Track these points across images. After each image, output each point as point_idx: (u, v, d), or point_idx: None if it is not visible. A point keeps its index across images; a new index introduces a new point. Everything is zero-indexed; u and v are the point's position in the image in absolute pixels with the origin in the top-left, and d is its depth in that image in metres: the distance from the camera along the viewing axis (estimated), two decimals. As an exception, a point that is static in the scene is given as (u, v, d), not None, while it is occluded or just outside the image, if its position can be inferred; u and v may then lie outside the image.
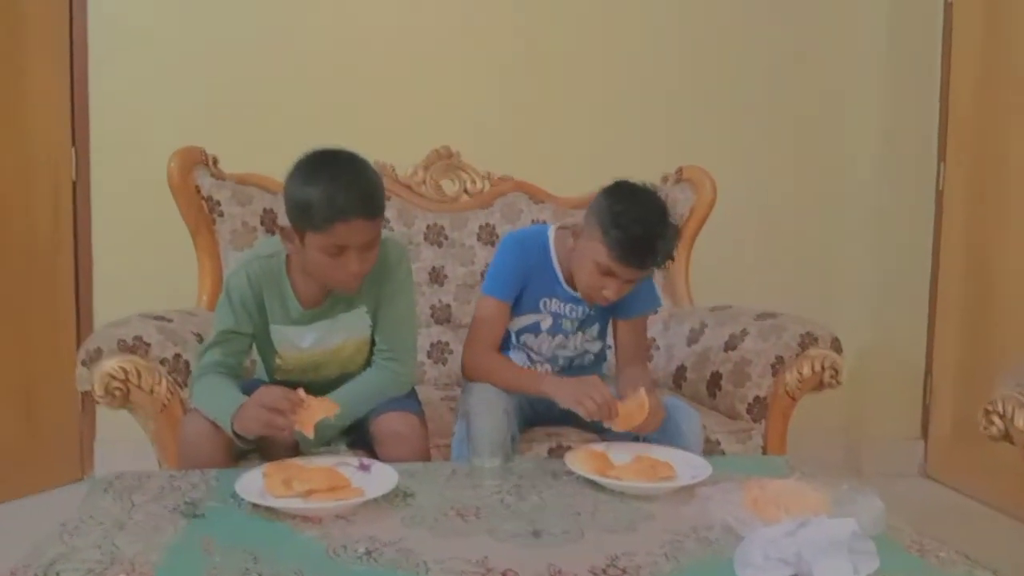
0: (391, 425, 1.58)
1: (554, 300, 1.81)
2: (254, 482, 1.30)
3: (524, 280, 1.78)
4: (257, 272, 1.60)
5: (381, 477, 1.34)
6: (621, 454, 1.48)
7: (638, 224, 1.58)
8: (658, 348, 2.32)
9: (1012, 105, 2.68)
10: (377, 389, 1.63)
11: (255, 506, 1.24)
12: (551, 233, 1.82)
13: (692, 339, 2.20)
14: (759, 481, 1.27)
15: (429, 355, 2.31)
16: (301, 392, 1.44)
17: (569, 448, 1.76)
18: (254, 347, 1.70)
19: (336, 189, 1.43)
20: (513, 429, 1.66)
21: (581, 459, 1.44)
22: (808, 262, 3.02)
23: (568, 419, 1.74)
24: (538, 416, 1.83)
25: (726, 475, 1.37)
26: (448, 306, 2.34)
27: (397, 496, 1.31)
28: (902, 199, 3.02)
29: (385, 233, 1.66)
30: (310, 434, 1.41)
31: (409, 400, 1.69)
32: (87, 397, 1.66)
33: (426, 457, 1.61)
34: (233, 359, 1.60)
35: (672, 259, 1.66)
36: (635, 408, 1.54)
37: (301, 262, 1.57)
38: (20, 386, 2.65)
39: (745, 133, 2.94)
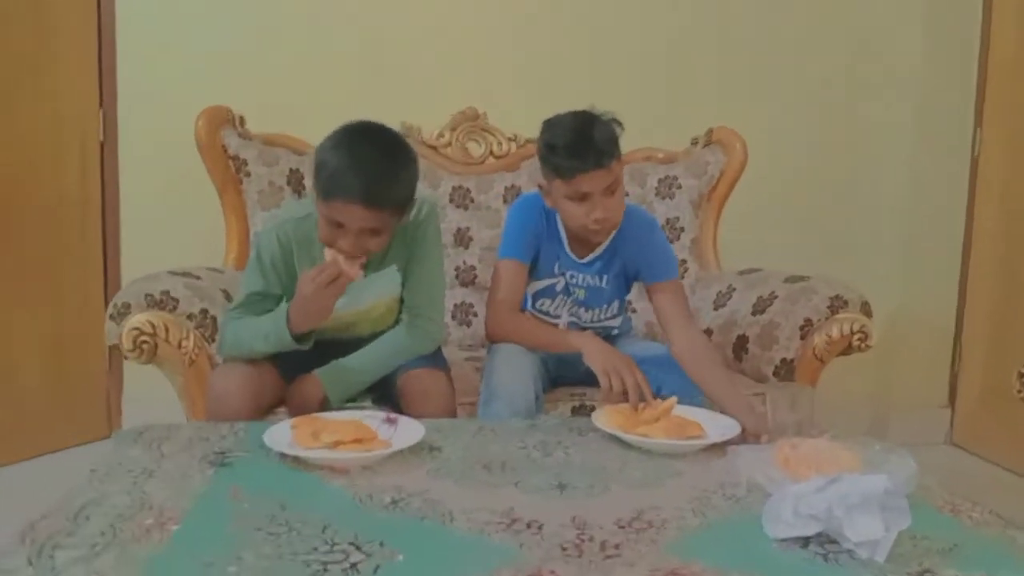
0: (419, 382, 1.58)
1: (562, 264, 1.80)
2: (282, 434, 1.31)
3: (537, 242, 1.77)
4: (289, 234, 1.60)
5: (407, 430, 1.34)
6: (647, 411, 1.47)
7: (564, 134, 1.61)
8: (684, 312, 2.29)
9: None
10: (405, 346, 1.63)
11: (283, 456, 1.25)
12: None
13: (719, 303, 2.18)
14: (790, 440, 1.25)
15: (453, 316, 2.31)
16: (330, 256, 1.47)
17: (593, 408, 1.77)
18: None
19: (348, 166, 1.42)
20: (537, 388, 1.65)
21: (608, 416, 1.43)
22: (839, 226, 2.97)
23: (591, 379, 1.73)
24: (562, 376, 1.82)
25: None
26: (473, 268, 2.34)
27: (423, 449, 1.31)
28: (936, 163, 2.96)
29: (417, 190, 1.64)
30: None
31: (436, 358, 1.69)
32: (115, 353, 1.68)
33: (453, 414, 1.61)
34: None
35: (617, 146, 1.63)
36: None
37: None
38: (49, 344, 2.69)
39: (777, 95, 2.89)
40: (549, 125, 1.66)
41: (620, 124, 1.65)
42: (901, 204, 2.99)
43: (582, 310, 1.83)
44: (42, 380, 2.67)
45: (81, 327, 2.75)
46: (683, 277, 2.33)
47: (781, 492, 1.04)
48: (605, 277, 1.80)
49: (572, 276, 1.79)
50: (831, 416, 2.03)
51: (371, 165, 1.43)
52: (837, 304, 1.90)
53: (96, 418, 2.83)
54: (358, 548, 0.96)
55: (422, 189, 2.30)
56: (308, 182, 2.20)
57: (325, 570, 0.90)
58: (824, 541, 0.99)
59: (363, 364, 1.58)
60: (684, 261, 2.35)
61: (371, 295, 1.67)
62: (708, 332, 2.18)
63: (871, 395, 3.01)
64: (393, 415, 1.41)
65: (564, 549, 0.97)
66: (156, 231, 2.75)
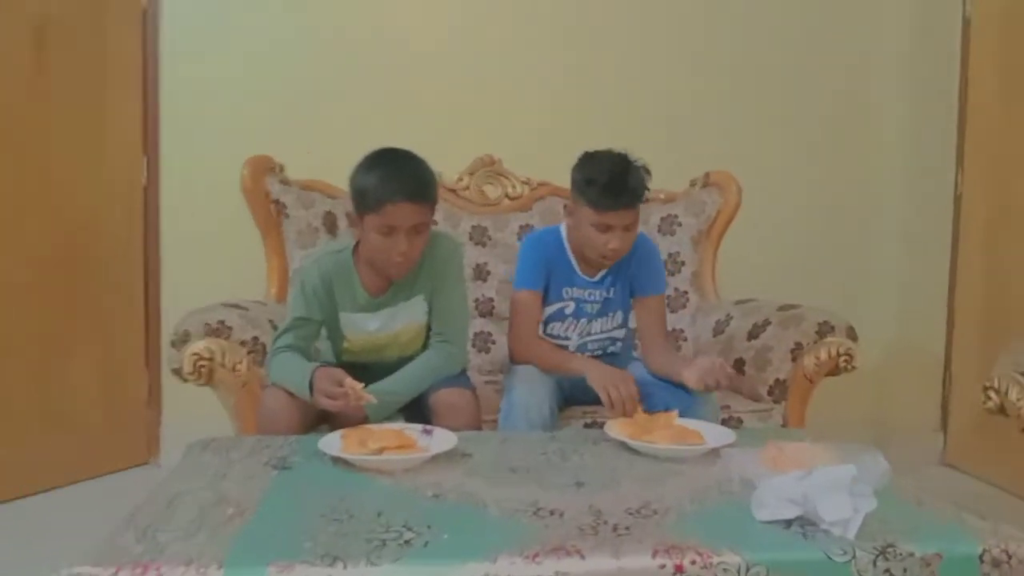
0: (448, 398, 1.78)
1: (574, 288, 2.02)
2: (334, 442, 1.50)
3: (547, 272, 2.00)
4: (329, 266, 1.81)
5: (442, 439, 1.52)
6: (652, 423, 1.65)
7: (604, 172, 1.84)
8: (686, 339, 2.49)
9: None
10: (433, 368, 1.83)
11: (336, 460, 1.43)
12: (563, 230, 2.03)
13: (718, 330, 2.37)
14: (777, 443, 1.43)
15: (473, 344, 2.49)
16: (348, 383, 1.64)
17: (601, 423, 1.94)
18: (323, 334, 1.91)
19: (388, 176, 1.69)
20: (552, 405, 1.84)
21: (619, 426, 1.61)
22: (831, 260, 3.17)
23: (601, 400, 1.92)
24: (575, 397, 2.00)
25: (748, 442, 1.54)
26: (491, 300, 2.53)
27: (456, 455, 1.49)
28: (922, 199, 3.16)
29: (440, 230, 1.86)
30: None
31: (462, 378, 1.89)
32: (153, 384, 1.85)
33: (479, 427, 1.79)
34: (304, 342, 1.81)
35: (647, 190, 1.88)
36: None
37: (364, 248, 1.77)
38: (98, 379, 2.88)
39: (771, 138, 3.11)
40: (589, 160, 1.90)
41: (648, 172, 1.89)
42: (891, 238, 3.18)
43: (593, 323, 2.03)
44: (90, 412, 2.86)
45: (124, 362, 2.95)
46: (684, 307, 2.53)
47: (766, 482, 1.22)
48: (613, 289, 2.03)
49: (589, 294, 2.01)
50: (827, 439, 2.18)
51: (406, 169, 1.73)
52: (824, 329, 2.09)
53: (136, 446, 3.01)
54: (409, 529, 1.14)
55: (444, 229, 2.53)
56: (342, 223, 2.41)
57: (384, 545, 1.09)
58: (804, 523, 1.17)
59: (398, 386, 1.77)
60: (685, 292, 2.54)
61: (401, 321, 1.87)
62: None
63: (866, 420, 3.17)
64: (429, 427, 1.59)
65: (582, 530, 1.15)
66: (194, 270, 2.95)
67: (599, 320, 2.05)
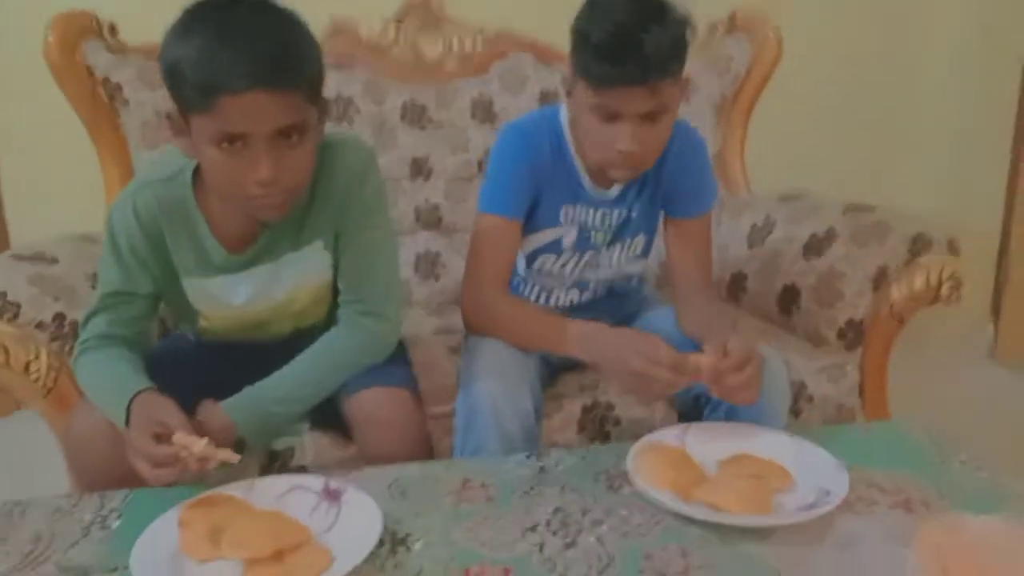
0: (373, 406, 1.12)
1: (579, 207, 1.31)
2: (164, 537, 0.86)
3: (536, 186, 1.28)
4: (150, 203, 1.08)
5: (356, 517, 0.89)
6: (703, 444, 1.04)
7: (606, 23, 1.10)
8: (706, 250, 1.84)
9: None
10: (347, 357, 1.15)
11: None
12: (564, 116, 1.29)
13: (755, 239, 1.72)
14: (944, 521, 0.82)
15: (416, 269, 1.82)
16: (178, 438, 0.96)
17: (608, 405, 1.35)
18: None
19: (219, 44, 0.91)
20: (536, 395, 1.20)
21: (652, 467, 0.98)
22: (862, 115, 2.53)
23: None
24: (565, 363, 1.37)
25: (861, 476, 0.94)
26: (436, 206, 1.84)
27: (380, 555, 0.86)
28: (987, 52, 2.53)
29: (340, 132, 1.15)
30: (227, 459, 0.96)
31: (396, 367, 1.20)
32: None
33: (425, 448, 1.15)
34: (127, 329, 1.11)
35: (677, 56, 1.12)
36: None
37: (205, 174, 1.05)
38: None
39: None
40: (592, 4, 1.14)
41: (690, 24, 1.13)
42: (942, 91, 2.55)
43: (601, 255, 1.36)
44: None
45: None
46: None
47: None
48: (636, 206, 1.34)
49: (602, 217, 1.32)
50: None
51: (251, 32, 0.93)
52: (919, 244, 1.46)
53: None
54: None
55: (361, 110, 1.79)
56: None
57: None
58: None
59: (286, 391, 1.10)
60: (703, 183, 1.87)
61: (287, 283, 1.17)
62: (740, 277, 1.73)
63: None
64: (335, 485, 0.95)
65: None
66: (46, 182, 2.16)
67: (610, 250, 1.37)
